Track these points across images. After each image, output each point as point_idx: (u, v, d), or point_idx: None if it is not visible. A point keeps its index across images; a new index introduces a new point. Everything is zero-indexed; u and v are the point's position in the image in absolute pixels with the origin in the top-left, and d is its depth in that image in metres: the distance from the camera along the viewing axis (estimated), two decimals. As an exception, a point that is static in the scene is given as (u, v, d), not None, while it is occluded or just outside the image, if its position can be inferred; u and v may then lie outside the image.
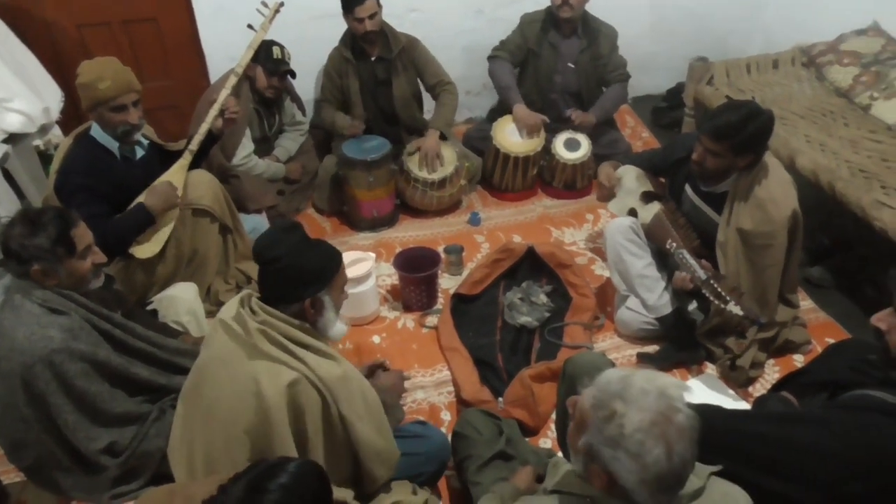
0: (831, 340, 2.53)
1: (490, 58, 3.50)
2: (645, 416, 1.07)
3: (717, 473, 1.25)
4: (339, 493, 1.55)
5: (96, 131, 2.38)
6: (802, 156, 2.92)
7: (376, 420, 1.64)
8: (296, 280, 1.54)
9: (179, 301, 2.43)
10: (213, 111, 2.61)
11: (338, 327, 1.67)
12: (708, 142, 2.22)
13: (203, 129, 2.60)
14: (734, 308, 2.14)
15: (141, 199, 2.44)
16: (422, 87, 3.49)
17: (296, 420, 1.52)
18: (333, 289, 1.61)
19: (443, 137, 3.34)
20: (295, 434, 1.53)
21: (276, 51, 3.05)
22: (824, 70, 3.52)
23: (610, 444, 1.09)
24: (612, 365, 1.88)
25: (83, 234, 1.89)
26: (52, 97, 2.99)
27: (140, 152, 2.51)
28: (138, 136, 2.45)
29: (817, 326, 2.67)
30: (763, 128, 2.19)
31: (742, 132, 2.16)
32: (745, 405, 2.30)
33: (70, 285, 1.88)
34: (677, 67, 4.09)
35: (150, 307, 2.45)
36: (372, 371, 2.01)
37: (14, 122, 2.76)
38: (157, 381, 2.00)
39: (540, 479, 1.59)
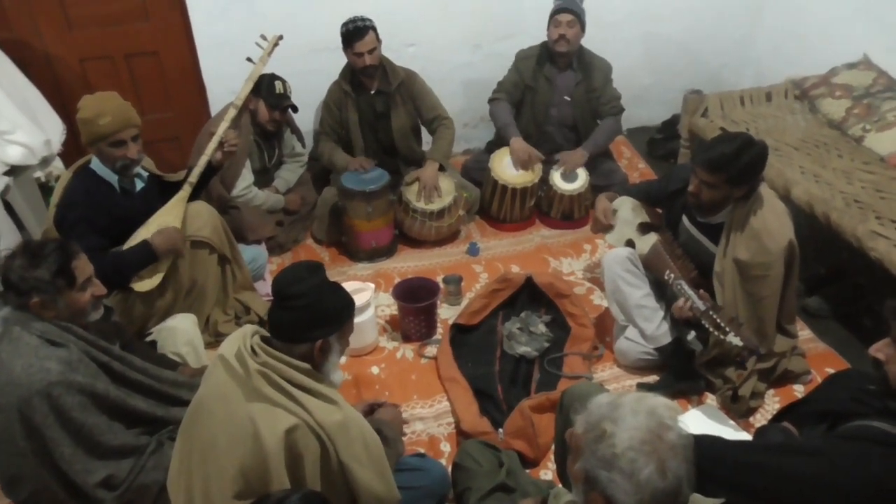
0: (831, 370, 2.53)
1: (490, 101, 3.56)
2: (635, 435, 1.08)
3: (719, 505, 1.25)
4: None
5: (96, 164, 2.40)
6: (797, 186, 2.95)
7: (377, 465, 1.62)
8: (312, 320, 1.55)
9: (178, 332, 2.42)
10: (213, 144, 2.64)
11: (338, 374, 1.67)
12: (703, 173, 2.24)
13: (202, 161, 2.63)
14: (733, 338, 2.14)
15: (143, 231, 2.45)
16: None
17: (293, 465, 1.51)
18: (343, 334, 1.63)
19: (441, 169, 3.37)
20: (291, 478, 1.51)
21: (278, 85, 3.09)
22: (817, 102, 3.58)
23: (604, 465, 1.09)
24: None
25: (84, 266, 1.89)
26: (53, 129, 3.02)
27: (140, 184, 2.53)
28: (138, 170, 2.47)
29: (816, 356, 2.67)
30: (757, 158, 2.21)
31: (737, 163, 2.18)
32: (745, 436, 2.29)
33: (69, 317, 1.87)
34: (672, 100, 4.15)
35: (148, 338, 2.45)
36: (371, 409, 2.00)
37: (15, 155, 2.78)
38: (155, 413, 1.98)
39: None
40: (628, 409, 1.11)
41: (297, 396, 1.51)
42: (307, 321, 1.54)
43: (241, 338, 1.56)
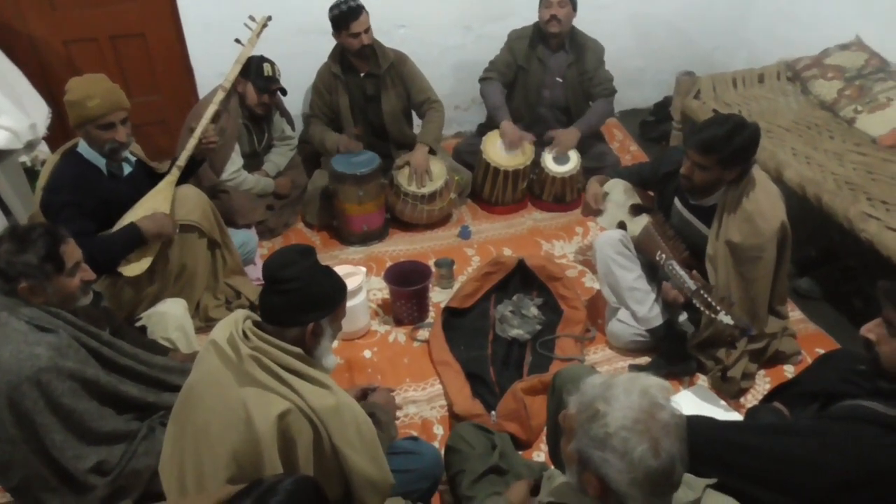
0: (821, 351, 2.54)
1: (481, 80, 3.53)
2: (628, 414, 1.08)
3: (711, 485, 1.25)
4: None
5: (83, 148, 2.37)
6: (789, 168, 2.95)
7: (370, 449, 1.62)
8: (304, 304, 1.54)
9: (168, 317, 2.40)
10: (193, 140, 2.62)
11: (331, 358, 1.66)
12: (695, 155, 2.24)
13: (191, 143, 2.61)
14: (724, 317, 2.14)
15: (130, 215, 2.43)
16: (411, 102, 3.51)
17: (286, 450, 1.50)
18: (335, 318, 1.62)
19: (431, 152, 3.35)
20: (284, 463, 1.51)
21: (266, 68, 3.06)
22: (809, 84, 3.57)
23: (597, 445, 1.09)
24: None
25: (72, 251, 1.87)
26: (38, 113, 2.97)
27: (127, 168, 2.50)
28: (126, 153, 2.44)
29: (806, 337, 2.69)
30: (749, 140, 2.21)
31: (729, 145, 2.18)
32: (736, 416, 2.30)
33: (58, 303, 1.86)
34: (664, 81, 4.14)
35: (138, 324, 2.43)
36: (364, 394, 2.00)
37: (0, 139, 2.74)
38: (145, 398, 1.97)
39: (535, 490, 1.59)
40: (621, 389, 1.11)
41: (289, 381, 1.50)
42: (298, 304, 1.53)
43: (232, 322, 1.55)
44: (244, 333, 1.52)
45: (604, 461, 1.09)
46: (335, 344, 2.70)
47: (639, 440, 1.06)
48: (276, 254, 1.59)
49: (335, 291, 1.60)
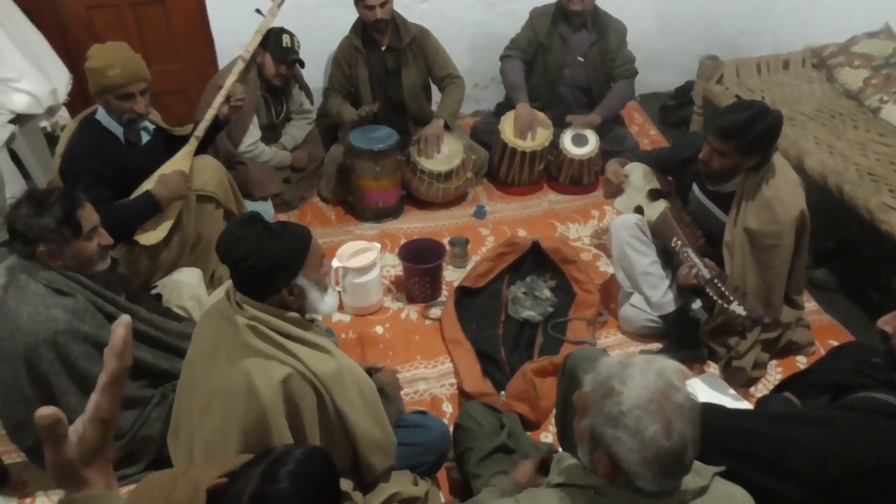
0: (834, 342, 2.52)
1: (502, 57, 3.49)
2: (642, 393, 1.09)
3: (720, 473, 1.25)
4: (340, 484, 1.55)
5: (101, 115, 2.36)
6: (811, 157, 2.91)
7: (373, 411, 1.63)
8: (267, 275, 1.50)
9: (183, 286, 2.42)
10: (220, 97, 2.60)
11: (326, 301, 1.62)
12: (715, 141, 2.21)
13: (209, 115, 2.60)
14: (737, 307, 2.13)
15: (147, 185, 2.43)
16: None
17: (291, 415, 1.51)
18: (309, 269, 1.55)
19: (447, 128, 3.33)
20: (291, 428, 1.52)
21: (285, 39, 3.04)
22: (835, 72, 3.51)
23: (610, 423, 1.10)
24: None
25: (89, 215, 1.88)
26: (59, 78, 2.98)
27: (145, 137, 2.49)
28: (144, 123, 2.44)
29: (820, 328, 2.67)
30: (770, 128, 2.17)
31: (749, 132, 2.15)
32: (746, 405, 2.30)
33: (75, 267, 1.88)
34: (687, 65, 4.07)
35: (154, 291, 2.45)
36: (369, 373, 2.01)
37: (21, 103, 2.75)
38: (159, 365, 2.00)
39: (543, 469, 1.59)
40: (637, 369, 1.12)
41: (288, 347, 1.50)
42: (262, 278, 1.50)
43: (225, 294, 1.54)
44: (238, 305, 1.51)
45: (616, 439, 1.09)
46: (348, 318, 2.73)
47: (652, 420, 1.07)
48: (222, 235, 1.53)
49: (294, 250, 1.53)
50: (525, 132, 3.34)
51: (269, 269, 1.49)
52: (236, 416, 1.50)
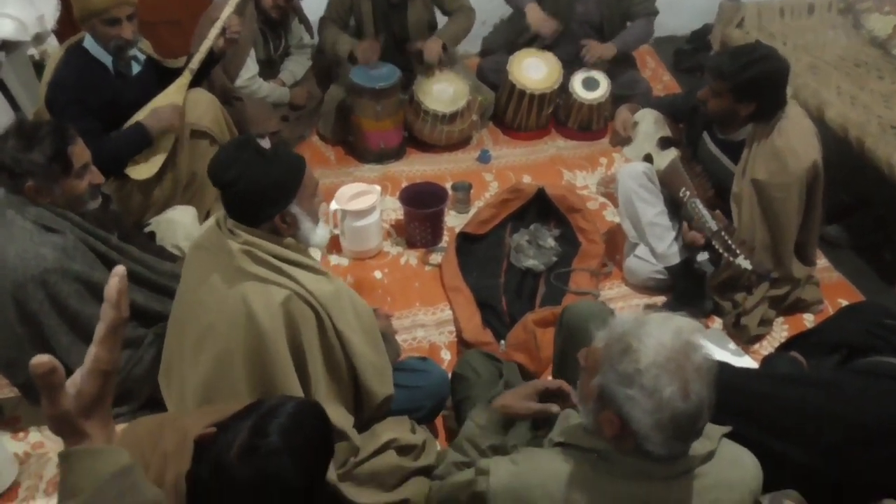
0: (843, 301, 2.48)
1: None
2: (661, 352, 1.03)
3: (726, 434, 1.21)
4: (339, 421, 1.53)
5: (89, 43, 2.26)
6: (832, 108, 2.79)
7: (369, 333, 1.63)
8: (259, 200, 1.47)
9: (178, 225, 2.37)
10: (215, 29, 2.49)
11: (318, 233, 1.61)
12: (709, 78, 2.15)
13: (204, 47, 2.48)
14: (743, 261, 2.08)
15: (139, 117, 2.34)
16: (437, 16, 3.31)
17: (292, 337, 1.50)
18: (302, 198, 1.52)
19: (444, 49, 3.16)
20: (293, 351, 1.51)
21: (284, -33, 2.89)
22: (862, 17, 3.36)
23: (624, 381, 1.05)
24: (612, 314, 1.83)
25: (81, 152, 1.82)
26: (46, 4, 2.86)
27: (136, 68, 2.39)
28: (134, 52, 2.33)
29: (830, 286, 2.61)
30: (768, 76, 2.08)
31: (741, 75, 2.06)
32: (748, 359, 2.27)
33: (65, 205, 1.82)
34: (704, 7, 3.90)
35: (147, 229, 2.40)
36: None
37: (7, 29, 2.64)
38: (152, 307, 1.96)
39: (543, 398, 1.47)
40: (654, 326, 1.06)
41: (285, 270, 1.49)
42: (255, 202, 1.47)
43: (215, 223, 1.52)
44: (231, 231, 1.49)
45: (628, 399, 1.04)
46: (346, 262, 2.68)
47: (669, 380, 1.02)
48: (214, 156, 1.50)
49: (287, 175, 1.50)
50: (548, 30, 3.23)
51: (261, 192, 1.46)
52: (235, 344, 1.48)
